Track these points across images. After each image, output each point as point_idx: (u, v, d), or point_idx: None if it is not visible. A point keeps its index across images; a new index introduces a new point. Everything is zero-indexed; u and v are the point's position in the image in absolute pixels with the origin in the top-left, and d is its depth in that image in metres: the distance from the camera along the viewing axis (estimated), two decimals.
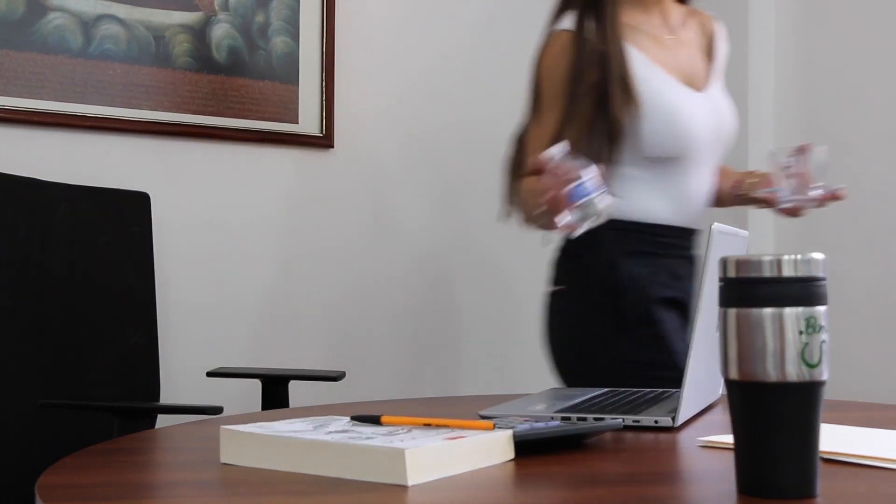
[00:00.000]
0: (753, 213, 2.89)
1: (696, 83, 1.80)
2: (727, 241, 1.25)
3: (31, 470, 1.77)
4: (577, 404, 1.27)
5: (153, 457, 1.08)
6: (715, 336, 1.23)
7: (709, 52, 1.88)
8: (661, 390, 1.47)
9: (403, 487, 0.83)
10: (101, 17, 2.34)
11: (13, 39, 2.24)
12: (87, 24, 2.33)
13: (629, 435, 1.13)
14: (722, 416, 1.30)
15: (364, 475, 0.86)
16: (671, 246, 1.79)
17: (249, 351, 2.54)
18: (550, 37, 1.79)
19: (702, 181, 1.81)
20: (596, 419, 1.15)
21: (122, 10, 2.37)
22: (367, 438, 0.90)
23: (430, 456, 0.86)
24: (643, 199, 1.76)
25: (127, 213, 2.20)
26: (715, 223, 1.17)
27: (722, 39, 1.91)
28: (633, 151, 1.71)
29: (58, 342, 2.02)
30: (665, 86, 1.73)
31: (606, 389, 1.48)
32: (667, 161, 1.74)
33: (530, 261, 2.99)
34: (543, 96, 1.77)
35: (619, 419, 1.15)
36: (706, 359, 1.23)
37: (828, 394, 0.79)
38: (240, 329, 2.54)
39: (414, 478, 0.84)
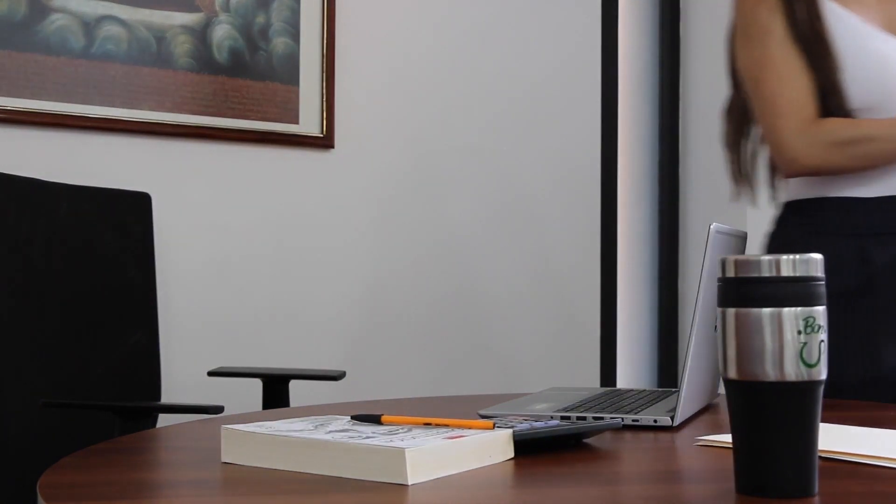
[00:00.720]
0: (753, 212, 2.89)
1: None
2: (726, 240, 1.25)
3: (33, 469, 1.78)
4: (576, 404, 1.28)
5: (154, 456, 1.08)
6: (714, 335, 1.24)
7: None
8: (661, 390, 1.47)
9: (404, 487, 0.83)
10: (102, 18, 2.35)
11: (15, 40, 2.24)
12: (89, 25, 2.33)
13: (628, 434, 1.13)
14: (721, 415, 1.30)
15: (364, 474, 0.86)
16: (868, 224, 1.62)
17: (250, 350, 2.55)
18: None
19: None
20: (595, 418, 1.16)
21: (124, 12, 2.37)
22: (368, 438, 0.90)
23: (431, 455, 0.86)
24: None
25: (128, 214, 2.20)
26: (713, 223, 1.17)
27: None
28: (836, 109, 1.59)
29: (59, 342, 2.02)
30: (866, 34, 1.61)
31: (606, 389, 1.48)
32: (871, 115, 1.58)
33: (522, 259, 2.99)
34: (756, 43, 1.63)
35: (618, 418, 1.15)
36: (705, 358, 1.23)
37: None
38: (240, 329, 2.54)
39: (414, 477, 0.84)
